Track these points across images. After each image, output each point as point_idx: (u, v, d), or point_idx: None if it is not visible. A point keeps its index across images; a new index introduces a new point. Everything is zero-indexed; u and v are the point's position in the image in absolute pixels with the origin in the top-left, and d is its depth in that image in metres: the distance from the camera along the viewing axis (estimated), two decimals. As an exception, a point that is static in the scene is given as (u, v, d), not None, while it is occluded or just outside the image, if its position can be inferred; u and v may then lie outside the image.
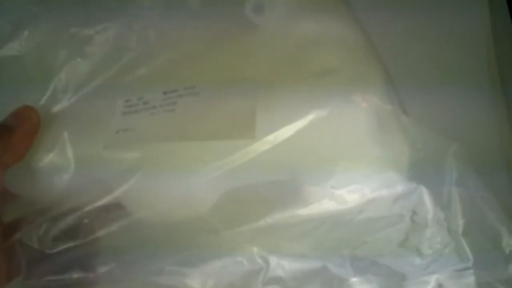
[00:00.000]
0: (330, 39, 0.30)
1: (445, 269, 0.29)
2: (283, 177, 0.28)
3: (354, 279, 0.29)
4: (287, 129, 0.27)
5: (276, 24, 0.31)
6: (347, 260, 0.29)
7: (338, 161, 0.28)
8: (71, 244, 0.29)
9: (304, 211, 0.28)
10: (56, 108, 0.31)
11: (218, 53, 0.31)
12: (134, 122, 0.29)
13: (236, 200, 0.28)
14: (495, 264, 0.28)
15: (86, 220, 0.29)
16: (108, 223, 0.29)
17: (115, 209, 0.29)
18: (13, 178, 0.29)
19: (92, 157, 0.29)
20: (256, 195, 0.28)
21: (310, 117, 0.27)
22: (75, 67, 0.32)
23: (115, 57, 0.32)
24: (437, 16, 0.38)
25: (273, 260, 0.29)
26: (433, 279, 0.29)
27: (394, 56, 0.33)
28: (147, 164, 0.28)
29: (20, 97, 0.31)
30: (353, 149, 0.28)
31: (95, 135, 0.30)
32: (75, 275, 0.29)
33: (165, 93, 0.30)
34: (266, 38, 0.30)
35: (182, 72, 0.31)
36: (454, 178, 0.28)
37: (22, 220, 0.29)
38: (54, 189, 0.30)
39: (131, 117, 0.30)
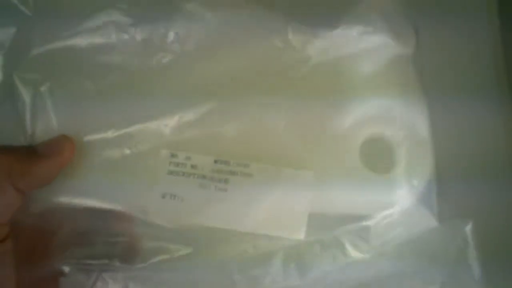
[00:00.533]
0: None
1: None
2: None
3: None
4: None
5: None
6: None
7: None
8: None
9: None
10: (91, 143, 0.29)
11: (277, 123, 0.29)
12: (183, 189, 0.29)
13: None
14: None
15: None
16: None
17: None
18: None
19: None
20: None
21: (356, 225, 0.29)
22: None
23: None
24: (444, 26, 0.35)
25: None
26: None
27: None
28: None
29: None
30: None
31: (137, 184, 0.29)
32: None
33: (215, 162, 0.29)
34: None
35: (235, 139, 0.29)
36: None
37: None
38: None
39: (179, 182, 0.29)
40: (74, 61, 0.29)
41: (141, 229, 0.29)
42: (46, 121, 0.29)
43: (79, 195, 0.29)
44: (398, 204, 0.29)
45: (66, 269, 0.29)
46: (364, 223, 0.29)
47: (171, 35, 0.29)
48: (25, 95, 0.29)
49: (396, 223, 0.29)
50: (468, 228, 0.30)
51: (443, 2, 0.35)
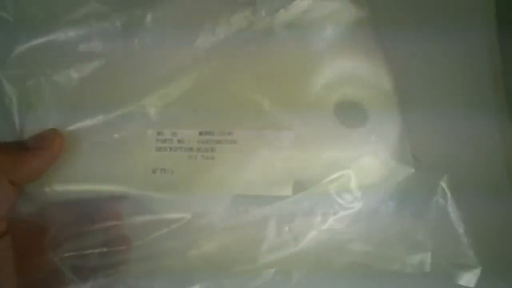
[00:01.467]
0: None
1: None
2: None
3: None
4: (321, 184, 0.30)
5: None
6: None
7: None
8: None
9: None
10: (80, 131, 0.31)
11: (255, 95, 0.31)
12: (171, 162, 0.30)
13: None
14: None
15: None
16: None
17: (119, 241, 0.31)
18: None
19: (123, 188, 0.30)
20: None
21: (338, 174, 0.30)
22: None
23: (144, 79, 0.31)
24: (443, 39, 0.38)
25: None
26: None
27: (401, 78, 0.34)
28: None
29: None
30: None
31: (126, 165, 0.30)
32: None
33: (200, 133, 0.30)
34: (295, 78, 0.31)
35: (218, 110, 0.31)
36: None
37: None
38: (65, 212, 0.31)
39: (167, 156, 0.30)
40: (57, 53, 0.31)
41: (134, 207, 0.30)
42: (34, 115, 0.31)
43: (72, 182, 0.30)
44: (374, 155, 0.31)
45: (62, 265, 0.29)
46: (345, 171, 0.30)
47: (149, 17, 0.31)
48: (11, 91, 0.31)
49: (374, 172, 0.31)
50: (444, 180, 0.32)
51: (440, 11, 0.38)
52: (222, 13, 0.31)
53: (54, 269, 0.29)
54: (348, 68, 0.32)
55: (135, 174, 0.30)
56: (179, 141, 0.30)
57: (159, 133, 0.31)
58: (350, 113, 0.31)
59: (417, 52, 0.37)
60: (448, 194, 0.31)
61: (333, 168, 0.30)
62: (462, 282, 0.31)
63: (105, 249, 0.30)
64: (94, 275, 0.30)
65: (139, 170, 0.30)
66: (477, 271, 0.31)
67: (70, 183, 0.30)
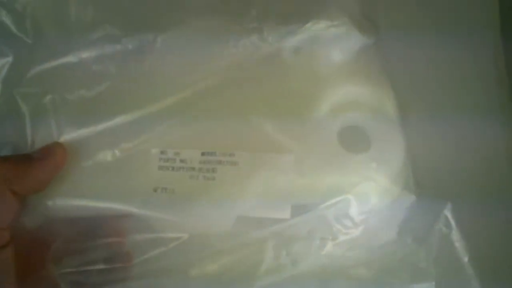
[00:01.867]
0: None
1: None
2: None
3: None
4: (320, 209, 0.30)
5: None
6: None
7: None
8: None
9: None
10: (85, 147, 0.31)
11: (256, 118, 0.31)
12: (173, 181, 0.31)
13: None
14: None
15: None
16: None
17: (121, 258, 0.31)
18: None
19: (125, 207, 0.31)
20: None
21: (338, 199, 0.30)
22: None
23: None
24: (448, 44, 0.37)
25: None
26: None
27: (406, 83, 0.35)
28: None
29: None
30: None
31: (127, 183, 0.31)
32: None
33: (203, 154, 0.31)
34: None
35: (220, 131, 0.31)
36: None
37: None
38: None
39: (169, 175, 0.31)
40: (70, 73, 0.32)
41: (135, 225, 0.31)
42: (45, 131, 0.32)
43: (74, 197, 0.31)
44: (375, 181, 0.31)
45: (62, 280, 0.30)
46: (345, 196, 0.30)
47: (159, 41, 0.32)
48: (25, 108, 0.32)
49: (375, 199, 0.31)
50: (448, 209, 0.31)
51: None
52: (230, 38, 0.32)
53: (54, 284, 0.30)
54: (352, 94, 0.32)
55: (137, 192, 0.31)
56: (182, 160, 0.31)
57: (162, 152, 0.31)
58: (353, 138, 0.31)
59: (420, 57, 0.37)
60: (452, 223, 0.31)
61: (333, 193, 0.30)
62: None
63: (106, 266, 0.30)
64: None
65: (141, 188, 0.31)
66: None
67: (72, 198, 0.31)
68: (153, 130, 0.32)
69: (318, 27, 0.32)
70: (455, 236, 0.31)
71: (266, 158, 0.31)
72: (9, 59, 0.33)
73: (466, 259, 0.31)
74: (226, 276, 0.31)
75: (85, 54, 0.33)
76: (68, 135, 0.32)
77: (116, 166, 0.31)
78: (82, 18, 0.33)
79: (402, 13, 0.37)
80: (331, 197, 0.30)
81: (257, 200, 0.30)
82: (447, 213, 0.31)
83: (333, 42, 0.32)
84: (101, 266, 0.30)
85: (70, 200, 0.31)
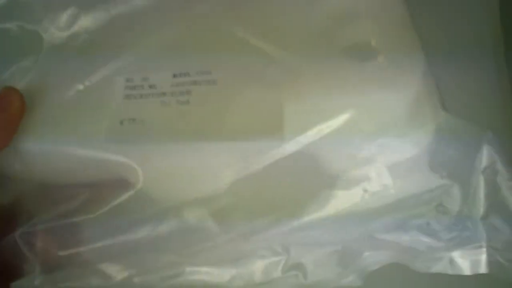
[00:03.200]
0: (366, 12, 0.26)
1: (459, 247, 0.29)
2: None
3: (367, 253, 0.29)
4: (320, 129, 0.24)
5: None
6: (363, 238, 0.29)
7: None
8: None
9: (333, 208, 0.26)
10: (42, 82, 0.27)
11: (234, 26, 0.26)
12: (142, 110, 0.26)
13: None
14: (508, 246, 0.28)
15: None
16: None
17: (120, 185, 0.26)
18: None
19: (89, 144, 0.25)
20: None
21: (346, 116, 0.24)
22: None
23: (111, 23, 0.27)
24: (450, 63, 0.35)
25: (293, 249, 0.28)
26: (446, 256, 0.29)
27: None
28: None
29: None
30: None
31: (91, 118, 0.26)
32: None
33: (175, 76, 0.26)
34: (292, 8, 0.26)
35: (193, 48, 0.26)
36: (483, 166, 0.27)
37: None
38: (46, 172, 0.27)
39: (137, 104, 0.26)
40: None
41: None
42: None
43: (42, 140, 0.26)
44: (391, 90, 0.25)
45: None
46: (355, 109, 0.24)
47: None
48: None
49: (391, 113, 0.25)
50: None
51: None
52: None
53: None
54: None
55: (101, 128, 0.26)
56: (151, 86, 0.26)
57: (128, 80, 0.26)
58: (359, 49, 0.26)
59: None
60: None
61: (339, 107, 0.24)
62: None
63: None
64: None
65: (105, 122, 0.26)
66: None
67: (39, 142, 0.26)
68: (118, 57, 0.27)
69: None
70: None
71: (250, 71, 0.25)
72: None
73: None
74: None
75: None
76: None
77: (79, 103, 0.26)
78: None
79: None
80: (337, 117, 0.24)
81: (242, 123, 0.24)
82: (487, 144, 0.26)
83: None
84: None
85: (37, 145, 0.26)
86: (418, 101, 0.25)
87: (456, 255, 0.29)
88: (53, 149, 0.26)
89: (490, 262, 0.28)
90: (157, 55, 0.27)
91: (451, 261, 0.29)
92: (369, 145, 0.25)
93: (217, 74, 0.25)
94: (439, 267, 0.27)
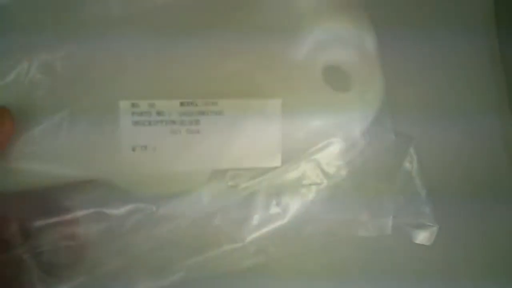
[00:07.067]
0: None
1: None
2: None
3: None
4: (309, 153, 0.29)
5: None
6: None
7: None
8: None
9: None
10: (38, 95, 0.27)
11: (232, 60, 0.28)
12: (152, 138, 0.27)
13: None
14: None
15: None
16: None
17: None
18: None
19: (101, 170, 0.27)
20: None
21: (327, 141, 0.30)
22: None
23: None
24: (442, 42, 0.37)
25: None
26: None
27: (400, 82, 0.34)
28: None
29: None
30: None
31: (102, 142, 0.27)
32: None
33: (182, 104, 0.27)
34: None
35: (197, 77, 0.28)
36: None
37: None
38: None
39: (147, 132, 0.27)
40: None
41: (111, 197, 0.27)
42: None
43: (37, 161, 0.27)
44: (358, 123, 0.30)
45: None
46: (332, 139, 0.29)
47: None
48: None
49: (358, 140, 0.30)
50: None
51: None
52: None
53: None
54: (332, 32, 0.30)
55: (112, 152, 0.27)
56: (158, 113, 0.27)
57: (134, 105, 0.27)
58: (336, 77, 0.30)
59: (415, 55, 0.37)
60: (415, 158, 0.32)
61: (322, 135, 0.29)
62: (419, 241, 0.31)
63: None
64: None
65: (116, 147, 0.27)
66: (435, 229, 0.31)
67: (34, 162, 0.27)
68: (121, 80, 0.27)
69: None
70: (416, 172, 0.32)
71: (252, 104, 0.28)
72: None
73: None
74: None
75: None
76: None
77: (78, 126, 0.26)
78: None
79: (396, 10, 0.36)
80: (320, 139, 0.29)
81: (246, 151, 0.28)
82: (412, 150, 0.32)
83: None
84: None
85: (32, 164, 0.27)
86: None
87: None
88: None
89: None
90: (163, 83, 0.28)
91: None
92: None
93: (222, 106, 0.28)
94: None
